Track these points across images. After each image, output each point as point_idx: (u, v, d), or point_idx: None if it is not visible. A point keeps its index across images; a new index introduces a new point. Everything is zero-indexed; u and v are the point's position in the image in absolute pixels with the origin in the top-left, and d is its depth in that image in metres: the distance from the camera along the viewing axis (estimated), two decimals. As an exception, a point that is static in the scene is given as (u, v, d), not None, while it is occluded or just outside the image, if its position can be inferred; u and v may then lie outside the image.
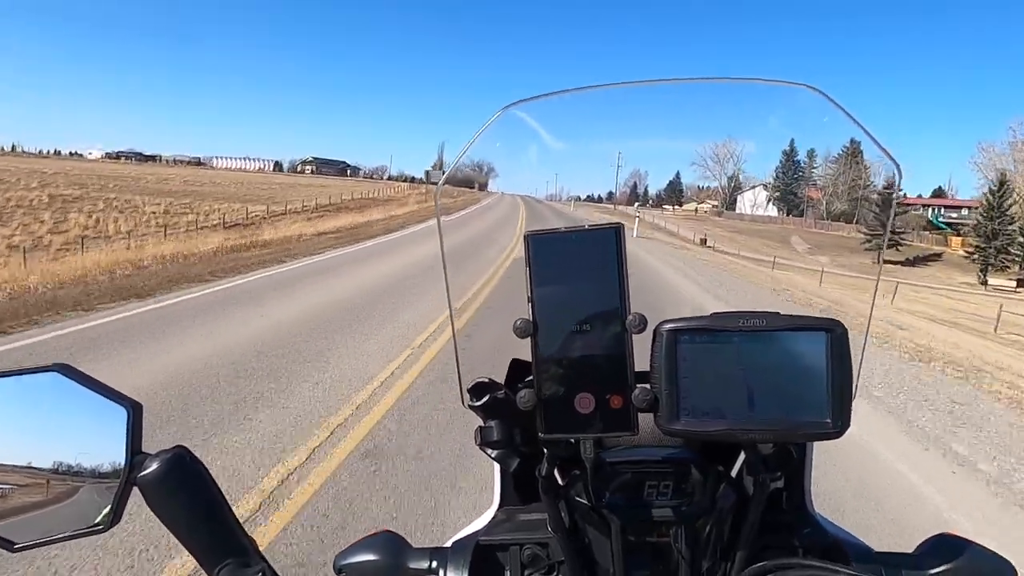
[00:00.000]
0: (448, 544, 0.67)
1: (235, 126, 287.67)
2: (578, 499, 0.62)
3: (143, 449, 0.52)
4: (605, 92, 0.66)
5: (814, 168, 75.49)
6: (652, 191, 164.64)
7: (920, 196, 56.01)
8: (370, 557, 0.65)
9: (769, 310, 0.55)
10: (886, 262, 54.87)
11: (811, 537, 0.67)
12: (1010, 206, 45.28)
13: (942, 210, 62.74)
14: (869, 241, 49.70)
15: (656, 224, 47.66)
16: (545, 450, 0.58)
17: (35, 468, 0.50)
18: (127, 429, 0.52)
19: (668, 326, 0.55)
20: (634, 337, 0.53)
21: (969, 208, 62.93)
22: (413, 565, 0.65)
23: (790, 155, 78.26)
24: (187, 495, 0.52)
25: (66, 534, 0.51)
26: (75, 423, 0.53)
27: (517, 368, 0.66)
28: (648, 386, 0.54)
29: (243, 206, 27.57)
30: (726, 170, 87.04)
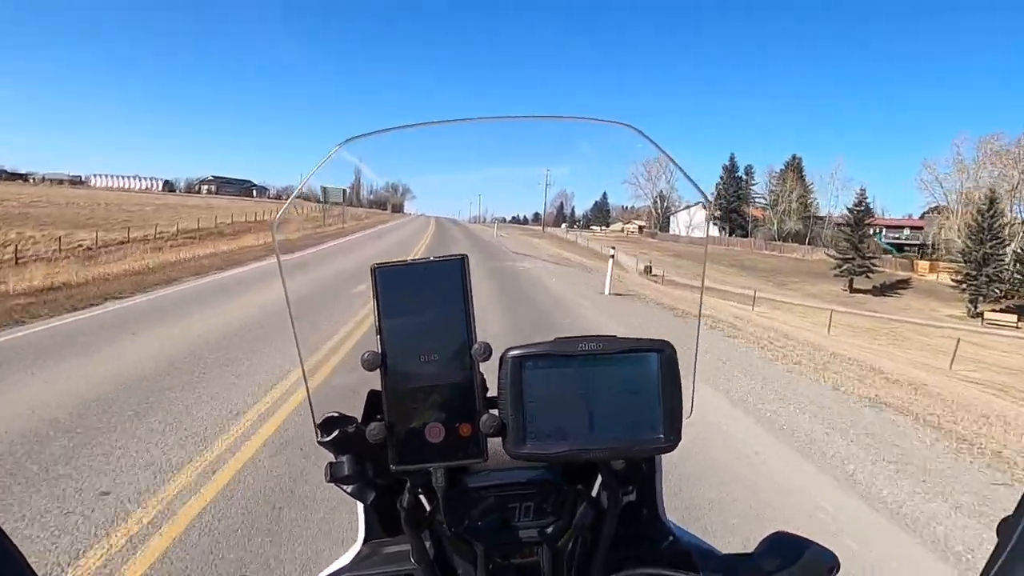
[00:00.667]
0: None
1: (128, 143, 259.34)
2: (441, 528, 0.62)
3: None
4: (442, 128, 0.70)
5: (753, 184, 74.02)
6: (579, 211, 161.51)
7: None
8: None
9: (607, 334, 0.57)
10: (855, 290, 50.32)
11: (664, 546, 0.73)
12: (1001, 228, 41.66)
13: (883, 231, 61.71)
14: (840, 267, 47.33)
15: (590, 248, 42.87)
16: (407, 481, 0.58)
17: None
18: None
19: (513, 352, 0.57)
20: (483, 364, 0.55)
21: (911, 228, 62.29)
22: None
23: (731, 171, 75.22)
24: None
25: None
26: None
27: (374, 399, 0.65)
28: (496, 412, 0.56)
29: (72, 232, 22.92)
30: (658, 187, 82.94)
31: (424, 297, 0.56)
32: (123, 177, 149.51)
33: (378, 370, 0.55)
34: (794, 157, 69.51)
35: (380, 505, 0.66)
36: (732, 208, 71.83)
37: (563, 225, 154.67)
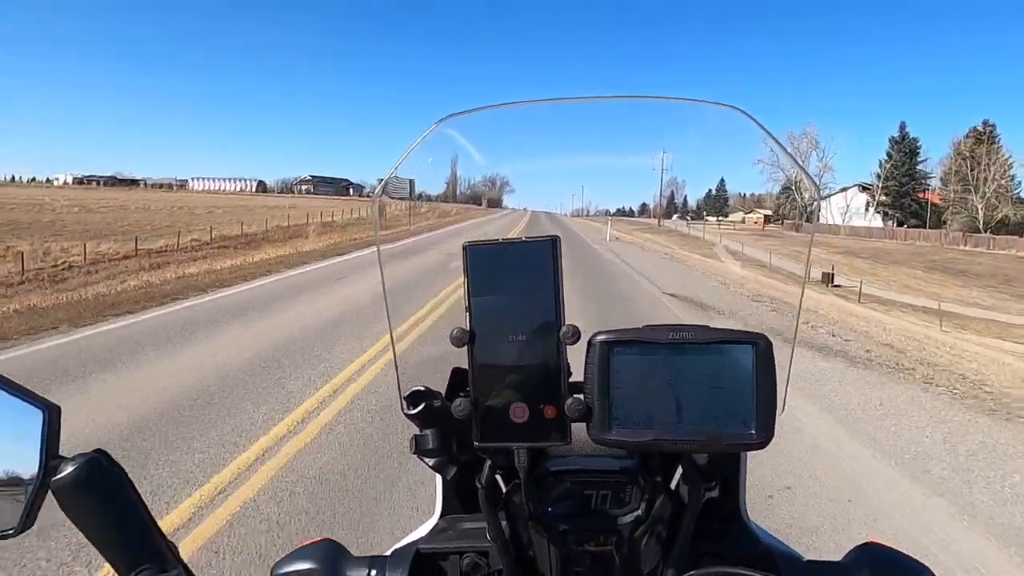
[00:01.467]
0: (388, 553, 0.70)
1: (230, 146, 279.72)
2: (517, 508, 0.65)
3: (60, 453, 0.53)
4: (540, 107, 0.69)
5: (920, 163, 59.09)
6: (691, 200, 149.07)
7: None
8: (308, 566, 0.67)
9: (699, 324, 0.58)
10: None
11: (744, 545, 0.72)
12: None
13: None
14: None
15: (727, 247, 33.11)
16: (487, 459, 0.61)
17: None
18: (42, 432, 0.53)
19: (601, 337, 0.58)
20: (569, 348, 0.56)
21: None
22: (352, 573, 0.67)
23: (902, 144, 60.44)
24: (103, 500, 0.53)
25: None
26: None
27: (458, 376, 0.70)
28: (581, 396, 0.57)
29: (73, 246, 19.33)
30: (809, 166, 68.85)
31: (514, 277, 0.58)
32: (219, 179, 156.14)
33: (464, 347, 0.56)
34: (985, 124, 53.91)
35: (459, 481, 0.72)
36: (904, 192, 57.30)
37: (674, 216, 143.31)
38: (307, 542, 0.70)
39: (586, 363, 0.59)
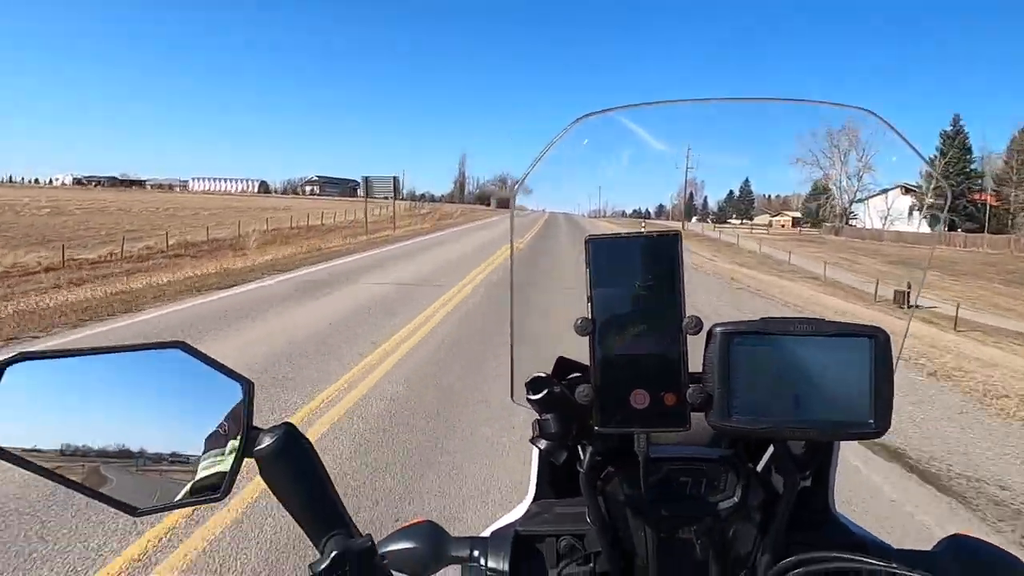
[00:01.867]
0: (486, 533, 0.75)
1: (242, 146, 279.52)
2: (615, 494, 0.70)
3: (256, 424, 0.59)
4: (672, 108, 0.75)
5: (972, 160, 54.64)
6: (712, 201, 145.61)
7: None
8: (411, 545, 0.73)
9: (816, 317, 0.62)
10: None
11: (835, 535, 0.75)
12: None
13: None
14: None
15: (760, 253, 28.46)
16: (587, 446, 0.66)
17: (158, 440, 0.59)
18: (244, 404, 0.59)
19: (721, 329, 0.62)
20: (688, 338, 0.60)
21: None
22: (454, 553, 0.73)
23: (955, 139, 55.32)
24: (297, 469, 0.60)
25: (183, 501, 0.59)
26: (194, 397, 0.60)
27: (563, 366, 0.76)
28: (701, 385, 0.61)
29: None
30: (847, 165, 64.11)
31: (636, 269, 0.62)
32: (220, 180, 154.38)
33: (586, 336, 0.62)
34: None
35: (551, 466, 0.77)
36: (959, 192, 53.59)
37: (693, 219, 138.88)
38: (407, 523, 0.75)
39: (706, 352, 0.63)
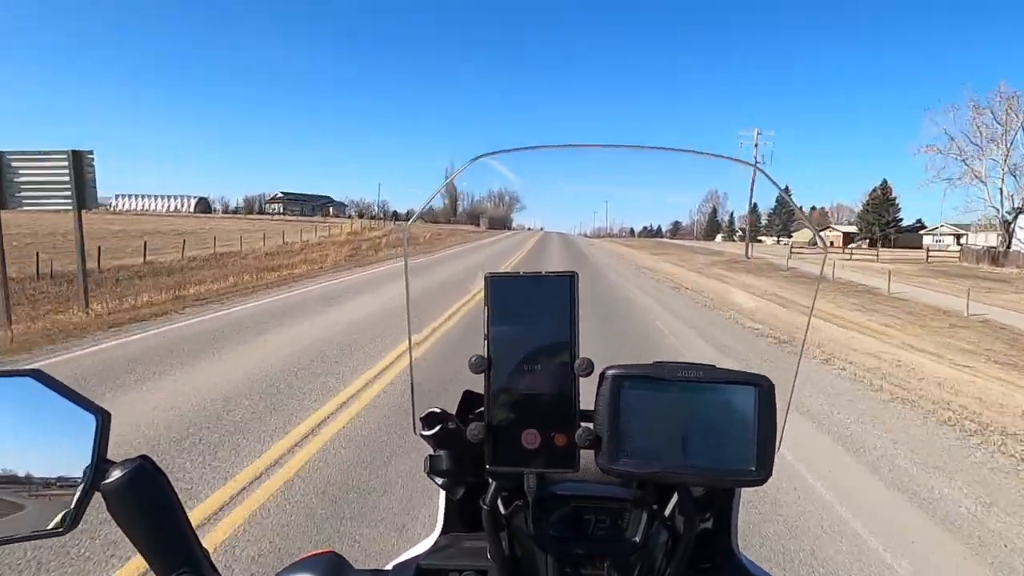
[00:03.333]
0: (389, 567, 0.79)
1: (176, 159, 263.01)
2: (519, 530, 0.75)
3: (108, 457, 0.62)
4: (570, 151, 0.81)
5: None
6: (737, 216, 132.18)
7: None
8: None
9: (707, 363, 0.68)
10: None
11: None
12: None
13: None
14: None
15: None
16: (491, 481, 0.71)
17: (3, 471, 0.60)
18: (95, 436, 0.62)
19: (613, 371, 0.67)
20: (582, 380, 0.66)
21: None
22: None
23: None
24: (147, 504, 0.62)
25: (24, 535, 0.61)
26: (45, 428, 0.63)
27: (469, 399, 0.81)
28: (591, 426, 0.67)
29: None
30: (1015, 149, 47.99)
31: (533, 308, 0.66)
32: (148, 197, 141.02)
33: (480, 374, 0.66)
34: None
35: (461, 500, 0.80)
36: None
37: (718, 237, 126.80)
38: (310, 553, 0.77)
39: (597, 395, 0.67)
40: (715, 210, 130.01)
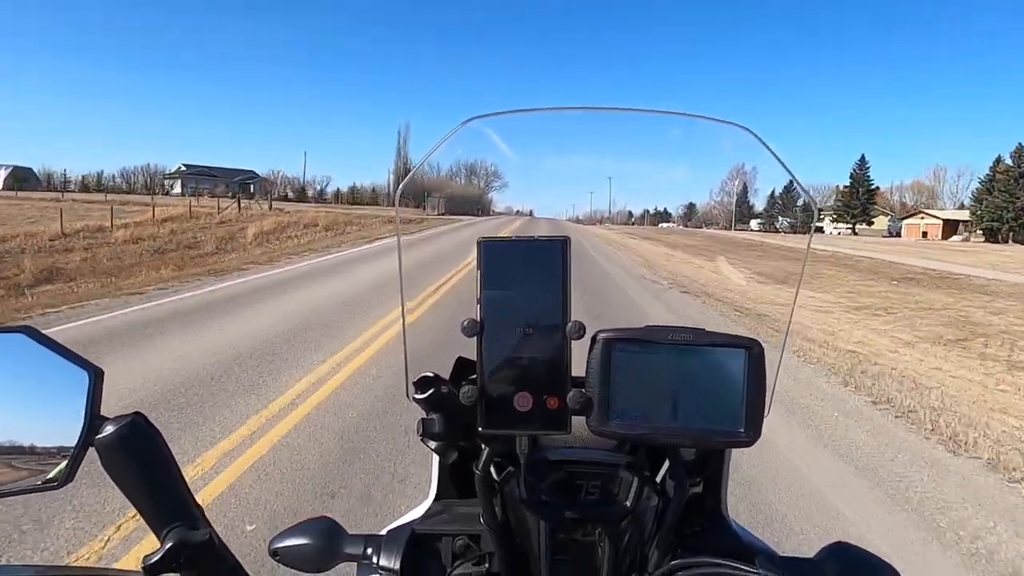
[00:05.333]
0: (383, 532, 0.85)
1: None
2: (512, 495, 0.81)
3: (102, 413, 0.69)
4: (559, 114, 0.84)
5: None
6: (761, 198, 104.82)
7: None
8: (305, 541, 0.80)
9: (697, 327, 0.74)
10: None
11: (723, 541, 0.87)
12: None
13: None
14: None
15: None
16: (484, 446, 0.77)
17: (2, 429, 0.67)
18: (88, 392, 0.67)
19: (604, 335, 0.73)
20: (573, 343, 0.71)
21: None
22: (348, 550, 0.81)
23: None
24: (141, 459, 0.67)
25: (21, 488, 0.68)
26: (38, 385, 0.68)
27: (462, 366, 0.86)
28: (583, 390, 0.73)
29: None
30: None
31: (525, 273, 0.70)
32: None
33: (473, 338, 0.72)
34: None
35: (454, 466, 0.89)
36: None
37: (753, 222, 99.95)
38: (305, 519, 0.83)
39: (588, 358, 0.73)
40: (745, 189, 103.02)
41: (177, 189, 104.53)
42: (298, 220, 36.97)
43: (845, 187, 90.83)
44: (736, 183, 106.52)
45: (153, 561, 0.66)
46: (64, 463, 0.66)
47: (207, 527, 0.70)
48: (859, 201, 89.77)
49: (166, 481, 0.68)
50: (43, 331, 0.64)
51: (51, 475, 0.66)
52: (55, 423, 0.66)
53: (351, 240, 27.83)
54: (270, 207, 47.44)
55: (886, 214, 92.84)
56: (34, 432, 0.66)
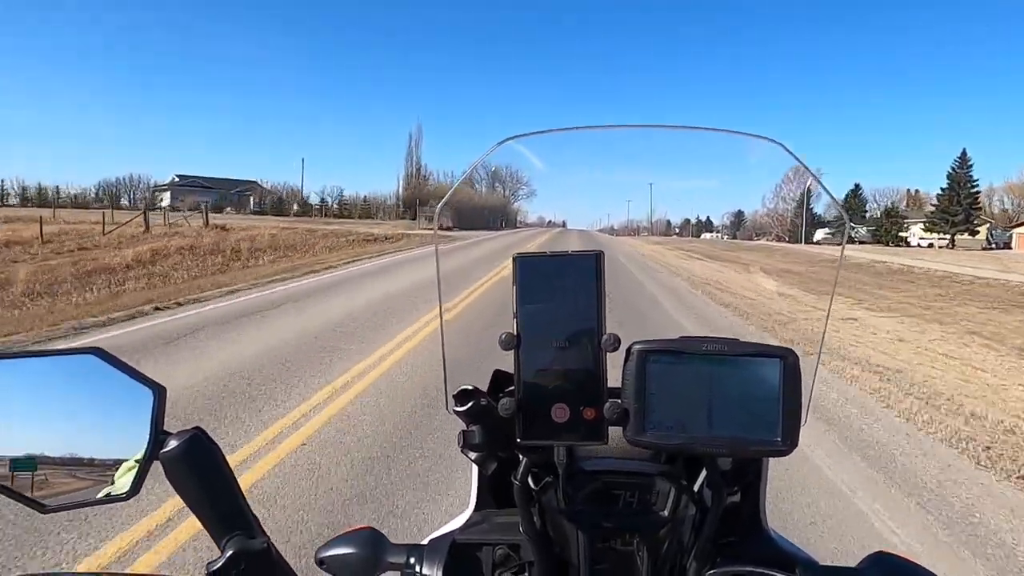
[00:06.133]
0: (425, 542, 0.89)
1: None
2: (550, 504, 0.84)
3: (166, 429, 0.75)
4: (593, 132, 0.87)
5: None
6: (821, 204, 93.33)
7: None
8: (351, 550, 0.84)
9: (731, 337, 0.77)
10: None
11: (763, 550, 0.88)
12: None
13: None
14: None
15: None
16: (522, 456, 0.80)
17: (72, 443, 0.73)
18: (152, 409, 0.73)
19: (639, 346, 0.76)
20: (608, 355, 0.75)
21: None
22: (392, 559, 0.84)
23: None
24: (202, 472, 0.72)
25: (93, 500, 0.74)
26: (108, 402, 0.74)
27: (499, 378, 0.90)
28: (619, 400, 0.76)
29: None
30: None
31: (560, 287, 0.74)
32: None
33: (510, 351, 0.76)
34: None
35: (493, 477, 0.91)
36: None
37: (819, 232, 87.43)
38: (349, 529, 0.88)
39: (624, 370, 0.76)
40: (808, 194, 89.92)
41: (167, 201, 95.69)
42: (218, 243, 28.17)
43: (942, 190, 75.45)
44: (796, 188, 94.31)
45: (216, 568, 0.71)
46: (132, 476, 0.72)
47: (264, 536, 0.74)
48: (960, 207, 72.99)
49: (225, 492, 0.72)
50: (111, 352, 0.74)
51: (121, 489, 0.72)
52: (123, 438, 0.71)
53: (252, 282, 16.06)
54: (206, 223, 38.14)
55: (988, 221, 78.86)
56: (105, 447, 0.72)
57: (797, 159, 0.78)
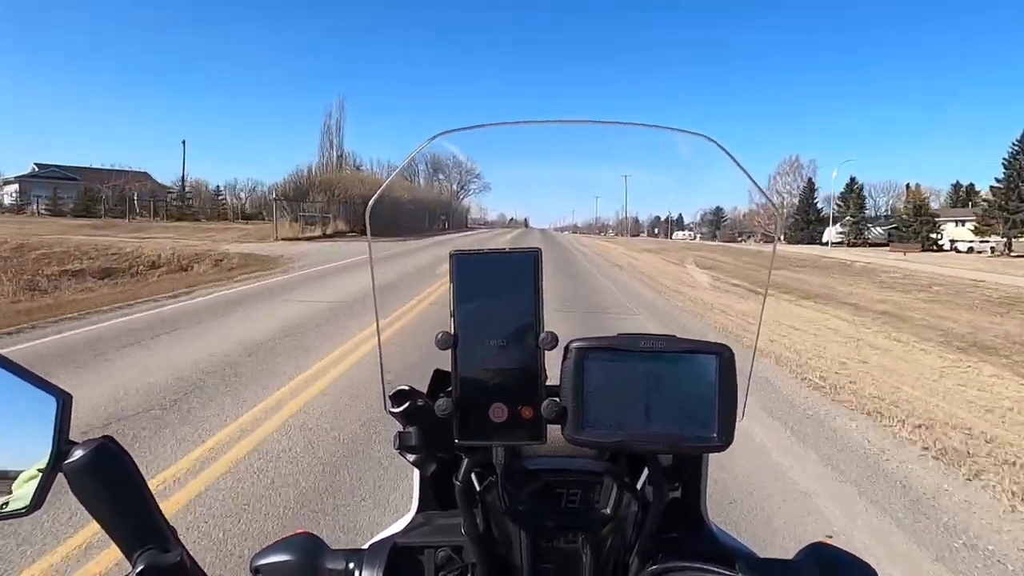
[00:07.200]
0: (365, 546, 0.90)
1: None
2: (492, 505, 0.88)
3: (71, 439, 0.74)
4: (527, 128, 0.86)
5: None
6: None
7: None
8: (287, 558, 0.83)
9: (668, 334, 0.80)
10: None
11: (704, 545, 0.93)
12: None
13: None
14: None
15: None
16: (462, 456, 0.84)
17: None
18: (55, 418, 0.71)
19: (577, 344, 0.78)
20: (546, 353, 0.78)
21: None
22: (330, 566, 0.85)
23: None
24: (111, 484, 0.71)
25: None
26: (6, 411, 0.72)
27: (439, 378, 0.91)
28: (557, 399, 0.79)
29: None
30: None
31: (497, 285, 0.76)
32: None
33: (448, 350, 0.79)
34: None
35: (435, 478, 0.92)
36: None
37: (833, 231, 74.75)
38: (286, 535, 0.88)
39: (562, 368, 0.78)
40: (811, 185, 77.03)
41: (10, 197, 75.58)
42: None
43: (997, 181, 55.88)
44: (794, 180, 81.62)
45: None
46: (33, 490, 0.71)
47: (179, 548, 0.75)
48: (1018, 202, 53.60)
49: (136, 504, 0.72)
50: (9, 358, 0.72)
51: (19, 504, 0.70)
52: (23, 449, 0.69)
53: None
54: None
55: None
56: (2, 459, 0.71)
57: (730, 156, 0.76)
